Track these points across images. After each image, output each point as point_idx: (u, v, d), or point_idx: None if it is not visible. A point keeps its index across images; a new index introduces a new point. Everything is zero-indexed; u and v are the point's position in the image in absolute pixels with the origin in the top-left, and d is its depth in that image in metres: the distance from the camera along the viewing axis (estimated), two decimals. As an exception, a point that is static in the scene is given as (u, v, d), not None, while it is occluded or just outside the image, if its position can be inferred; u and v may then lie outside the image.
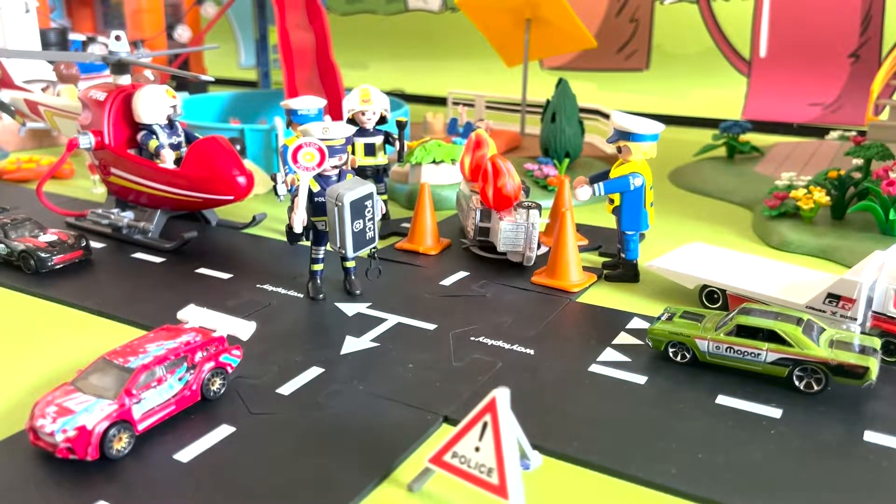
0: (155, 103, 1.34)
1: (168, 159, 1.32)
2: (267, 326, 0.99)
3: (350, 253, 1.04)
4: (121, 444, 0.72)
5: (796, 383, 0.85)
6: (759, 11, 2.64)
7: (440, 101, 2.69)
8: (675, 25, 2.78)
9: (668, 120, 1.67)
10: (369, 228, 1.05)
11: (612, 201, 1.18)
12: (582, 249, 1.31)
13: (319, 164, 1.05)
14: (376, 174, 1.43)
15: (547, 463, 0.72)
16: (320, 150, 1.05)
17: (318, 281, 1.12)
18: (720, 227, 1.50)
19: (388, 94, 1.54)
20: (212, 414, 0.80)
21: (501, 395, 0.62)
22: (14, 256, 1.21)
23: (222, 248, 1.35)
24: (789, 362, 0.86)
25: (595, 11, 2.89)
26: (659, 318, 0.96)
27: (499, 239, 1.21)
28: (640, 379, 0.88)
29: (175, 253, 1.31)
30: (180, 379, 0.79)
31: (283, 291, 1.14)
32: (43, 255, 1.19)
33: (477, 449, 0.63)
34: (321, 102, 1.45)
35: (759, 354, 0.87)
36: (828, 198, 1.43)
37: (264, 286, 1.15)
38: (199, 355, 0.81)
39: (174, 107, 1.36)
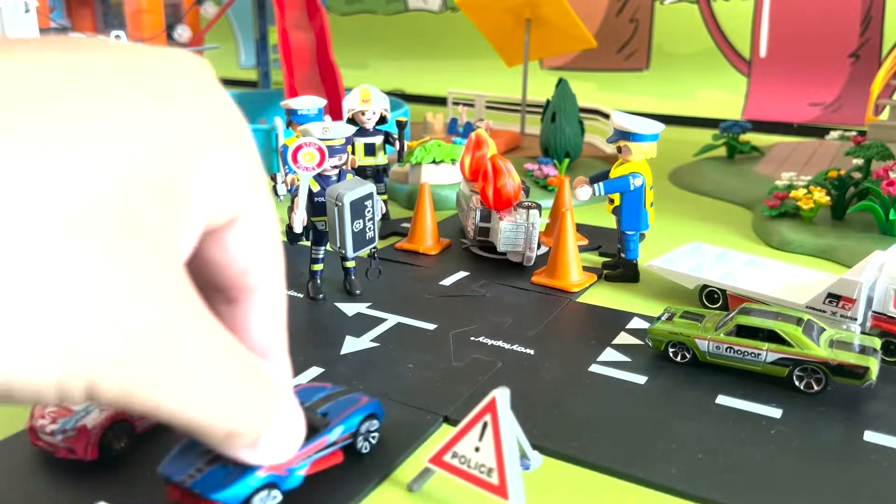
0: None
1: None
2: (267, 326, 0.99)
3: (350, 253, 1.04)
4: (121, 443, 0.72)
5: (796, 383, 0.85)
6: (759, 11, 2.64)
7: (440, 101, 2.69)
8: (676, 25, 2.78)
9: (669, 120, 1.67)
10: (369, 228, 1.05)
11: (612, 201, 1.18)
12: (582, 249, 1.31)
13: (319, 164, 1.05)
14: (376, 174, 1.43)
15: (547, 463, 0.72)
16: (320, 150, 1.05)
17: (318, 281, 1.12)
18: (720, 227, 1.50)
19: (388, 94, 1.54)
20: (212, 414, 0.80)
21: (501, 396, 0.62)
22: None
23: (222, 248, 1.35)
24: (789, 362, 0.86)
25: (595, 11, 2.89)
26: (659, 318, 0.96)
27: (499, 239, 1.21)
28: (640, 379, 0.88)
29: (175, 253, 1.31)
30: (180, 379, 0.79)
31: (283, 291, 1.14)
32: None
33: (477, 449, 0.63)
34: (321, 102, 1.45)
35: (759, 354, 0.87)
36: (828, 198, 1.43)
37: (264, 286, 1.15)
38: (198, 355, 0.81)
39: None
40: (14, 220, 0.31)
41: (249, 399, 0.46)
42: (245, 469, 0.59)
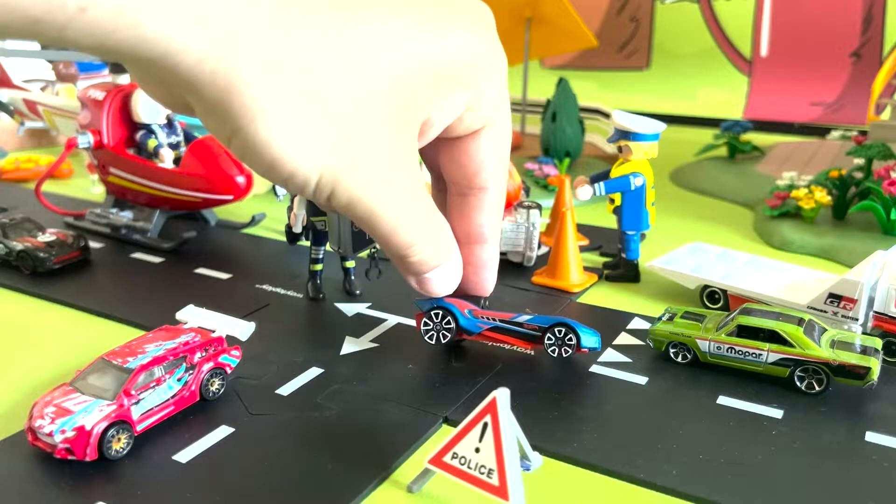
0: (154, 103, 1.33)
1: (167, 159, 1.32)
2: (266, 326, 0.99)
3: (350, 253, 1.04)
4: (119, 444, 0.72)
5: (798, 384, 0.85)
6: (760, 10, 2.63)
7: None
8: (676, 24, 2.78)
9: (669, 119, 1.67)
10: (369, 228, 1.06)
11: (612, 201, 1.18)
12: (582, 249, 1.30)
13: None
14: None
15: (547, 464, 0.72)
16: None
17: (318, 281, 1.12)
18: (721, 227, 1.49)
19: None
20: (211, 414, 0.80)
21: (501, 396, 0.62)
22: (13, 256, 1.20)
23: (221, 248, 1.35)
24: (791, 363, 0.85)
25: (596, 10, 2.89)
26: (660, 319, 0.96)
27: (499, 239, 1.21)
28: (641, 379, 0.88)
29: (174, 253, 1.30)
30: (179, 379, 0.79)
31: (283, 291, 1.13)
32: (41, 255, 1.18)
33: (477, 450, 0.63)
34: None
35: (760, 355, 0.86)
36: (829, 197, 1.42)
37: (263, 286, 1.15)
38: (198, 356, 0.81)
39: (174, 106, 1.36)
40: (353, 70, 0.50)
41: (429, 237, 0.63)
42: (440, 299, 0.87)
